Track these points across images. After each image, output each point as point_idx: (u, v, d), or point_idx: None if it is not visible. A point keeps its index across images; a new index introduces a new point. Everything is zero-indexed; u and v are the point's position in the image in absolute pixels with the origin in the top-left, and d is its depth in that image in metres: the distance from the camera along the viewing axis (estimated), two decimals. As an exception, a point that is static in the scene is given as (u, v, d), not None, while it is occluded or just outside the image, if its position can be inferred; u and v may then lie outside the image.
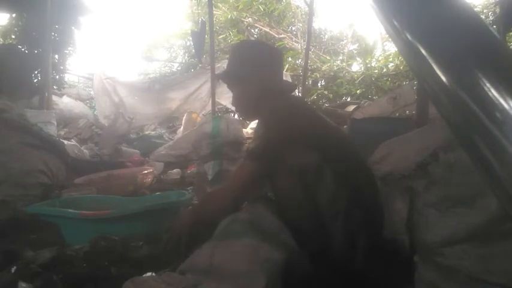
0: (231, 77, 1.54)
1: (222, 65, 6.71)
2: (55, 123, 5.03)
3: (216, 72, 1.70)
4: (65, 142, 3.94)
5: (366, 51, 9.57)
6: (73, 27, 6.82)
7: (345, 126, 3.95)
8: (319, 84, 8.82)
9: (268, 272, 1.08)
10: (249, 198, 1.44)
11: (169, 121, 7.48)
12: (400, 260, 1.38)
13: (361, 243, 1.30)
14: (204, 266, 1.12)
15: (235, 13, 9.71)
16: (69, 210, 2.04)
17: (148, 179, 3.28)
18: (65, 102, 6.77)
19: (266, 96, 1.47)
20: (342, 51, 10.68)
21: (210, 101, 5.44)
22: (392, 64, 7.79)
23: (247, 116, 1.61)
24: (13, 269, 1.45)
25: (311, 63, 8.46)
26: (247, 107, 1.54)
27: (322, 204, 1.29)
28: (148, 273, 1.36)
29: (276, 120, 1.35)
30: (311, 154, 1.29)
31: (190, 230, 1.42)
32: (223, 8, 9.87)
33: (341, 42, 11.00)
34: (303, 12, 9.88)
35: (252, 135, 1.73)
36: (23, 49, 6.47)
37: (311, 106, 1.72)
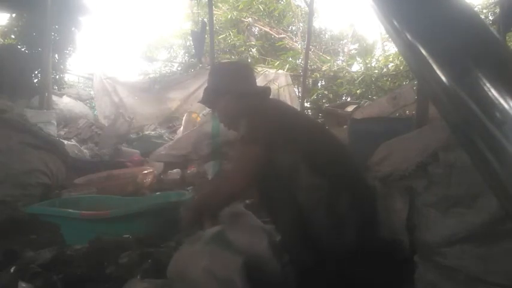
0: (212, 99, 1.71)
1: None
2: (55, 123, 5.02)
3: (198, 101, 1.88)
4: (65, 142, 3.93)
5: (366, 51, 9.56)
6: (73, 28, 6.81)
7: (344, 126, 3.95)
8: (319, 84, 8.81)
9: (224, 277, 1.15)
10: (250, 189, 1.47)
11: (169, 121, 7.47)
12: (400, 260, 1.38)
13: (345, 240, 1.31)
14: (173, 272, 1.26)
15: (235, 13, 9.70)
16: (69, 210, 2.04)
17: (148, 179, 3.28)
18: (64, 102, 6.76)
19: (247, 104, 1.57)
20: (342, 51, 10.67)
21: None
22: (392, 64, 7.77)
23: (235, 127, 1.69)
24: (13, 269, 1.45)
25: (311, 63, 8.45)
26: (232, 118, 1.65)
27: (299, 198, 1.32)
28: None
29: (259, 117, 1.44)
30: (289, 149, 1.35)
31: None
32: (223, 8, 9.86)
33: (341, 42, 10.99)
34: (303, 12, 9.86)
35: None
36: (23, 49, 6.46)
37: (290, 106, 1.87)
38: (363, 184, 1.45)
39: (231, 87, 1.64)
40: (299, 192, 1.33)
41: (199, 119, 5.81)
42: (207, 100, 1.74)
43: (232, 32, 9.65)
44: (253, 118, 1.44)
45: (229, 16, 9.70)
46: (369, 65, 8.10)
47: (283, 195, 1.34)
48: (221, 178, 1.58)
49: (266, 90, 1.72)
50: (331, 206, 1.31)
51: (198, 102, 1.84)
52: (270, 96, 1.73)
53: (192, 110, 6.62)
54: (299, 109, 6.58)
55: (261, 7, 9.79)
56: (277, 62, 8.52)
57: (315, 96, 8.03)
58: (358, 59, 9.37)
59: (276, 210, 1.39)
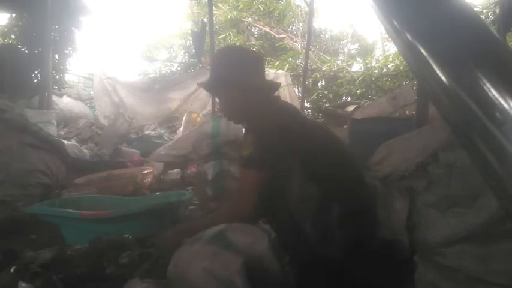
0: (216, 85, 1.55)
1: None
2: (55, 123, 5.02)
3: (198, 82, 1.67)
4: (65, 142, 3.93)
5: (366, 51, 9.57)
6: (73, 28, 6.81)
7: (344, 126, 3.95)
8: (319, 84, 8.81)
9: (224, 277, 1.14)
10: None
11: (169, 121, 7.47)
12: (400, 260, 1.38)
13: (340, 240, 1.31)
14: (173, 272, 1.24)
15: (235, 13, 9.70)
16: (69, 210, 2.04)
17: (148, 179, 3.28)
18: (64, 102, 6.76)
19: (253, 98, 1.49)
20: (342, 51, 10.68)
21: (210, 101, 5.43)
22: (392, 64, 7.77)
23: (237, 121, 1.62)
24: (13, 269, 1.45)
25: (311, 63, 8.45)
26: (236, 112, 1.55)
27: (297, 200, 1.32)
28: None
29: (266, 125, 1.39)
30: (293, 155, 1.33)
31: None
32: (223, 8, 9.86)
33: (341, 42, 11.00)
34: (303, 12, 9.87)
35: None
36: (23, 49, 6.45)
37: (295, 108, 1.72)
38: (362, 186, 1.45)
39: (242, 78, 1.47)
40: (299, 198, 1.32)
41: (199, 119, 5.81)
42: (210, 87, 1.59)
43: (232, 32, 9.66)
44: (262, 128, 1.39)
45: (229, 16, 9.71)
46: (369, 65, 8.10)
47: (284, 199, 1.34)
48: (228, 203, 1.51)
49: (275, 85, 1.61)
50: (330, 208, 1.31)
51: (198, 84, 1.68)
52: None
53: (192, 110, 6.62)
54: (299, 109, 6.58)
55: (261, 7, 9.79)
56: (277, 62, 8.52)
57: (315, 96, 8.03)
58: (358, 59, 9.38)
59: (273, 212, 1.38)
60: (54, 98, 6.14)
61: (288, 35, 9.97)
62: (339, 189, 1.33)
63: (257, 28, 10.51)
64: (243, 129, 1.71)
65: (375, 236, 1.41)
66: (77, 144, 4.85)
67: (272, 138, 1.35)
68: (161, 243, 1.47)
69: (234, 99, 1.51)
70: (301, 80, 7.15)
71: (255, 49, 9.63)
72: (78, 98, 7.62)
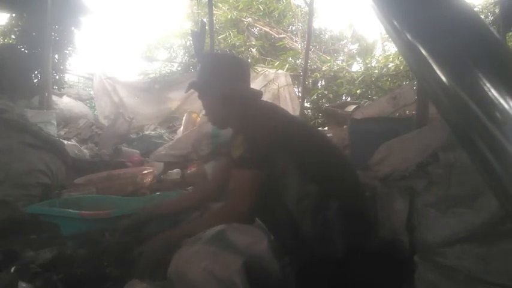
0: (201, 89, 1.59)
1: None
2: (55, 123, 5.02)
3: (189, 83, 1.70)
4: (65, 142, 3.93)
5: (366, 51, 9.56)
6: (73, 28, 6.81)
7: (344, 126, 3.95)
8: (319, 84, 8.80)
9: (224, 277, 1.13)
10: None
11: (169, 121, 7.46)
12: (400, 260, 1.38)
13: (338, 238, 1.30)
14: (173, 272, 1.24)
15: (235, 13, 9.69)
16: (69, 210, 2.04)
17: (148, 179, 3.28)
18: (65, 102, 6.75)
19: (237, 104, 1.52)
20: (342, 51, 10.67)
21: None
22: (392, 64, 7.76)
23: (220, 125, 1.65)
24: (13, 269, 1.45)
25: (311, 63, 8.45)
26: (219, 116, 1.59)
27: (293, 203, 1.33)
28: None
29: (255, 125, 1.40)
30: (285, 153, 1.34)
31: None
32: (223, 8, 9.85)
33: (341, 42, 10.98)
34: (303, 12, 9.86)
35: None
36: (23, 49, 6.45)
37: (281, 108, 1.74)
38: (356, 186, 1.46)
39: (230, 84, 1.52)
40: (293, 197, 1.32)
41: (199, 119, 5.81)
42: (200, 90, 1.61)
43: (232, 32, 9.64)
44: (251, 128, 1.39)
45: (229, 16, 9.69)
46: (369, 65, 8.10)
47: (277, 199, 1.34)
48: (223, 205, 1.48)
49: (258, 92, 1.65)
50: (325, 210, 1.31)
51: (191, 85, 1.65)
52: (266, 99, 1.68)
53: (192, 110, 6.61)
54: (299, 109, 6.58)
55: (261, 7, 9.78)
56: (277, 62, 8.52)
57: (315, 96, 8.02)
58: (358, 59, 9.37)
59: (270, 214, 1.38)
60: (54, 98, 6.14)
61: (288, 35, 9.96)
62: (333, 191, 1.33)
63: (257, 28, 10.50)
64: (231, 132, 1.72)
65: (374, 236, 1.41)
66: (77, 144, 4.85)
67: (261, 137, 1.36)
68: (150, 250, 1.44)
69: (220, 104, 1.54)
70: (301, 80, 7.15)
71: (254, 49, 9.64)
72: (78, 98, 7.61)
